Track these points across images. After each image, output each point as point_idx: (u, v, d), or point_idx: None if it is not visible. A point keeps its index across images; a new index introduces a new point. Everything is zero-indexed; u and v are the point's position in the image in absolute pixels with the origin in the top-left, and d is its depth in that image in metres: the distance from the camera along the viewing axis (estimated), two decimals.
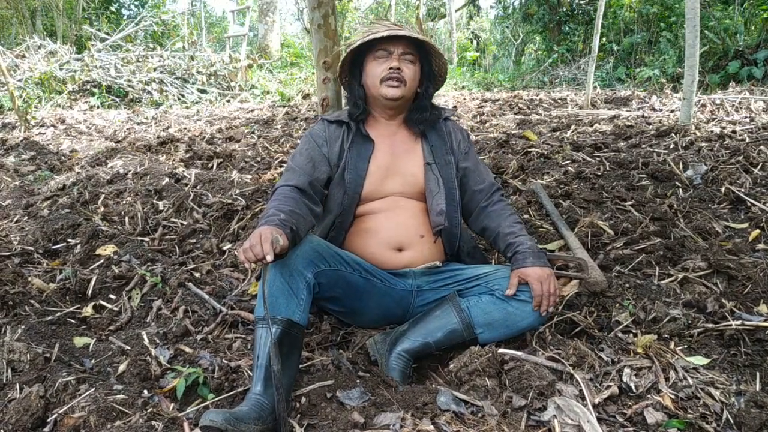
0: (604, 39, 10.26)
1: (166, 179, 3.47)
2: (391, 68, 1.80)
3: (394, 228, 1.85)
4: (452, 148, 1.97)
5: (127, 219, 2.90)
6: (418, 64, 1.87)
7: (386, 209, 1.87)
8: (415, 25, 1.84)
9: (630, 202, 2.81)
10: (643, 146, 3.87)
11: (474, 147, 2.05)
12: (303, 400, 1.48)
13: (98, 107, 7.70)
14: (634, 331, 1.76)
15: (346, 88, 1.99)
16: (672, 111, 5.70)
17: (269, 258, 1.40)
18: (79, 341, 1.82)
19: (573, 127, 4.87)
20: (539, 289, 1.68)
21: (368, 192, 1.86)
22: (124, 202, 3.15)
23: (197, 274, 2.31)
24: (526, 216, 2.78)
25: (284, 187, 1.77)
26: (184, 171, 3.76)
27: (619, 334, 1.74)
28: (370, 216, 1.87)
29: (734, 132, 4.13)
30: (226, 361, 1.66)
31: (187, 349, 1.76)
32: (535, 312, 1.71)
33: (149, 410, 1.46)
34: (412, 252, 1.86)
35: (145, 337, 1.82)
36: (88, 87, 8.12)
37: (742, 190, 2.83)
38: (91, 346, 1.80)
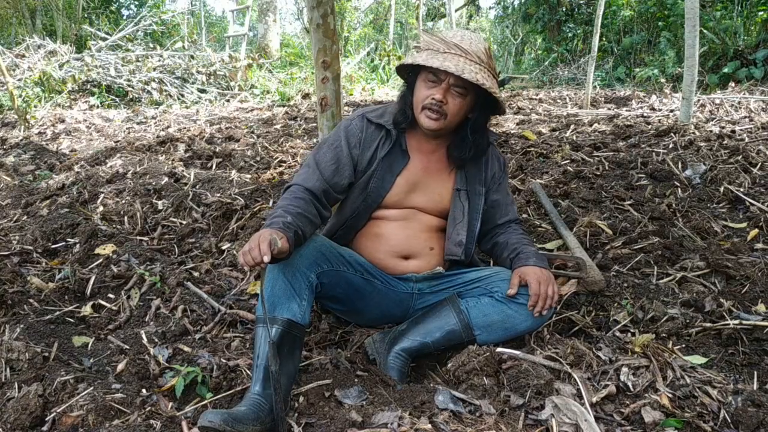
0: (603, 39, 10.26)
1: (166, 179, 3.47)
2: (434, 99, 1.66)
3: (406, 238, 1.83)
4: (486, 178, 1.89)
5: (126, 218, 2.90)
6: (470, 96, 1.69)
7: (402, 219, 1.83)
8: (481, 52, 1.67)
9: (629, 202, 2.82)
10: (643, 146, 3.87)
11: (507, 177, 1.98)
12: (301, 399, 1.49)
13: (98, 107, 7.69)
14: (632, 330, 1.76)
15: (403, 88, 1.83)
16: (671, 111, 5.71)
17: (266, 259, 1.40)
18: (77, 340, 1.83)
19: (572, 126, 4.87)
20: (536, 289, 1.68)
21: (389, 202, 1.82)
22: (123, 201, 3.15)
23: (196, 274, 2.31)
24: (524, 215, 2.78)
25: (298, 186, 1.73)
26: (183, 170, 3.76)
27: (617, 334, 1.74)
28: (384, 222, 1.84)
29: (733, 132, 4.13)
30: (224, 360, 1.66)
31: (186, 348, 1.76)
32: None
33: (148, 409, 1.46)
34: (417, 261, 1.85)
35: (143, 336, 1.82)
36: (88, 87, 8.11)
37: (741, 189, 2.83)
38: (89, 345, 1.80)
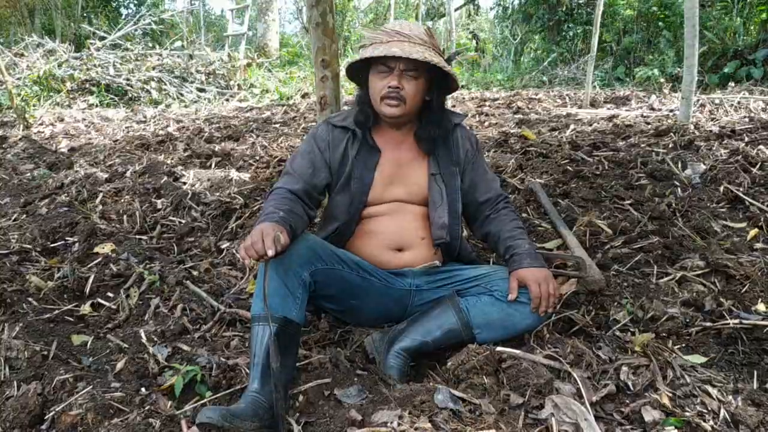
0: (604, 37, 10.26)
1: (165, 178, 3.47)
2: (390, 87, 1.72)
3: (395, 230, 1.85)
4: (459, 158, 1.92)
5: (125, 217, 2.90)
6: (423, 77, 1.76)
7: (389, 213, 1.86)
8: (422, 34, 1.75)
9: (628, 201, 2.81)
10: (642, 145, 3.87)
11: (482, 154, 2.00)
12: (301, 398, 1.49)
13: (97, 106, 7.69)
14: (632, 329, 1.76)
15: (358, 90, 1.92)
16: (671, 110, 5.70)
17: (270, 253, 1.41)
18: (76, 339, 1.82)
19: (572, 126, 4.87)
20: (537, 291, 1.68)
21: (372, 198, 1.85)
22: (122, 200, 3.14)
23: (195, 273, 2.31)
24: (524, 215, 2.77)
25: (281, 189, 1.78)
26: (182, 170, 3.75)
27: (617, 333, 1.74)
28: (372, 219, 1.87)
29: (733, 131, 4.12)
30: (223, 359, 1.66)
31: (185, 347, 1.76)
32: (533, 313, 1.70)
33: (147, 408, 1.46)
34: (411, 253, 1.86)
35: (142, 335, 1.82)
36: (87, 86, 8.10)
37: (741, 189, 2.83)
38: (88, 344, 1.80)
